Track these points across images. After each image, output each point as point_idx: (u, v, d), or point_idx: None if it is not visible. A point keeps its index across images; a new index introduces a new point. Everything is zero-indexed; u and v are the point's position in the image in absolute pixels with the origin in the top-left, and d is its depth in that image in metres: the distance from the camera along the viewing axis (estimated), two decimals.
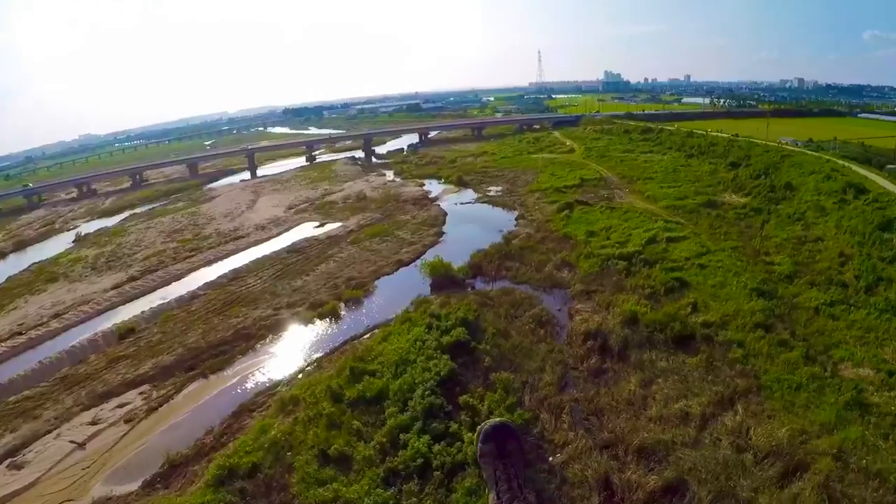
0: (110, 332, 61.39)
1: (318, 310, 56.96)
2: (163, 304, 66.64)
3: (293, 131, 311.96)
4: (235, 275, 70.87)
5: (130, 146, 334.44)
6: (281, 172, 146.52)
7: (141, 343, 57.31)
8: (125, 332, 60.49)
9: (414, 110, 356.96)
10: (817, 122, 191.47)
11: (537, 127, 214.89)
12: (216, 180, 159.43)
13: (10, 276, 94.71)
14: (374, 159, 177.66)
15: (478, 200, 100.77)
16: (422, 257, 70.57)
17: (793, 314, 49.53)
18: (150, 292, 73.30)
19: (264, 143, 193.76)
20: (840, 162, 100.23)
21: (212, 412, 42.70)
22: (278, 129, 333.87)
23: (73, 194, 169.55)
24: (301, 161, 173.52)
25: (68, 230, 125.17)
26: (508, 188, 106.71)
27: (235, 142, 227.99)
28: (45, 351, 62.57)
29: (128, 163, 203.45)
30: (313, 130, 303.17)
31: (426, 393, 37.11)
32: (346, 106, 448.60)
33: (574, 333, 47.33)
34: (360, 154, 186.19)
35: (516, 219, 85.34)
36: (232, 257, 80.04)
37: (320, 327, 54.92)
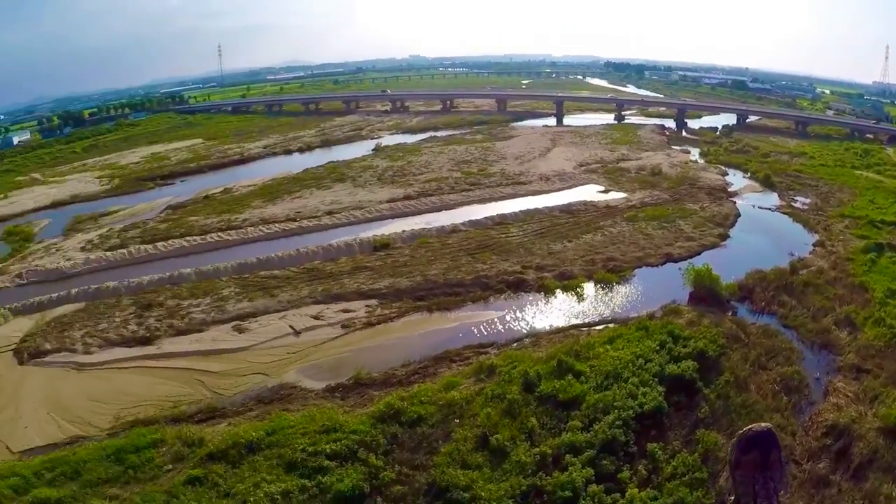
0: (367, 242, 67.55)
1: (564, 282, 55.30)
2: (424, 229, 71.32)
3: (610, 86, 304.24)
4: (501, 220, 72.50)
5: (451, 72, 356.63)
6: (585, 126, 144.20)
7: (388, 260, 61.95)
8: (380, 245, 66.09)
9: (739, 88, 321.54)
10: None
11: (870, 137, 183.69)
12: (521, 120, 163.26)
13: (307, 168, 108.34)
14: (684, 133, 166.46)
15: (779, 209, 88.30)
16: (695, 258, 64.14)
17: None
18: (418, 214, 78.96)
19: (576, 94, 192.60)
20: None
21: (418, 347, 44.95)
22: (596, 81, 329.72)
23: (387, 107, 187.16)
24: (609, 118, 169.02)
25: (371, 139, 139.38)
26: (817, 203, 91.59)
27: (552, 86, 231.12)
28: (307, 241, 71.63)
29: (442, 87, 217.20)
30: (630, 88, 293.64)
31: (617, 422, 33.43)
32: (668, 69, 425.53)
33: (817, 420, 37.52)
34: (670, 124, 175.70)
35: (814, 245, 72.70)
36: (506, 201, 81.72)
37: (558, 301, 53.27)
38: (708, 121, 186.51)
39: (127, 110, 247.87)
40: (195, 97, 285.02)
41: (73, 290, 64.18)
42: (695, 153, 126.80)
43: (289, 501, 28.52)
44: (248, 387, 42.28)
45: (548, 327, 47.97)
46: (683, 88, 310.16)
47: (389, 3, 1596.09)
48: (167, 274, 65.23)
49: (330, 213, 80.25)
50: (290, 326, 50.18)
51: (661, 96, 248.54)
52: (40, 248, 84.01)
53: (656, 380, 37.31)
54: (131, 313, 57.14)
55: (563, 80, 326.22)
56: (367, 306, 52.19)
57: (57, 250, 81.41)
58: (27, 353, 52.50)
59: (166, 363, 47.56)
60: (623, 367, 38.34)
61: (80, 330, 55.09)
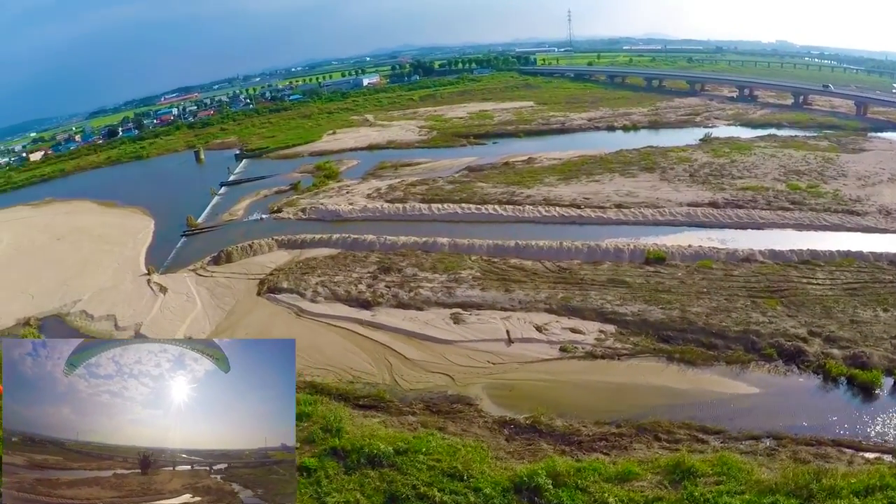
0: (640, 251, 59.86)
1: (854, 370, 40.73)
2: (713, 248, 60.56)
3: None
4: (810, 257, 58.06)
5: (817, 63, 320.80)
6: None
7: (653, 279, 53.93)
8: (653, 258, 58.16)
9: None
10: None
11: None
12: (882, 130, 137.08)
13: (621, 149, 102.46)
14: None
15: None
16: None
17: None
18: (716, 227, 68.38)
19: None
20: None
21: (629, 403, 37.29)
22: None
23: (734, 94, 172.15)
24: None
25: (705, 126, 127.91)
26: None
27: None
28: (581, 233, 66.77)
29: (800, 79, 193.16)
30: None
31: None
32: None
33: None
34: None
35: None
36: (826, 233, 66.72)
37: (834, 396, 38.50)
38: None
39: (473, 65, 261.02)
40: (544, 59, 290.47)
41: (335, 236, 69.62)
42: None
43: None
44: (427, 387, 40.16)
45: (799, 431, 35.08)
46: None
47: None
48: (423, 239, 66.35)
49: (619, 205, 73.49)
50: (507, 332, 45.97)
51: None
52: (335, 187, 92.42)
53: None
54: (369, 272, 59.23)
55: None
56: (600, 331, 45.32)
57: (347, 192, 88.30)
58: (267, 285, 58.24)
59: (370, 333, 48.03)
60: None
61: (318, 276, 58.98)
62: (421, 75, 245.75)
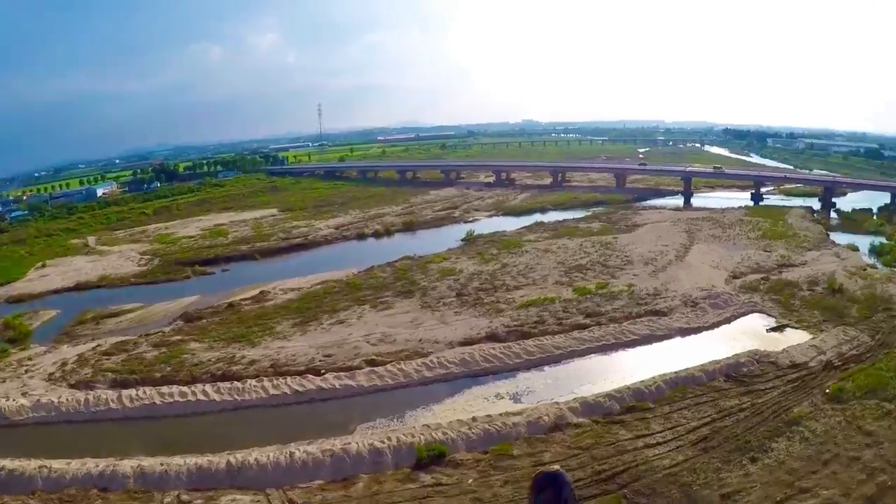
0: (408, 448, 39.97)
1: None
2: (509, 416, 42.94)
3: (732, 155, 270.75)
4: (635, 401, 42.95)
5: (564, 138, 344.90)
6: (722, 209, 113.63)
7: (432, 498, 34.87)
8: (427, 458, 38.68)
9: (874, 157, 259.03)
10: None
11: None
12: (643, 199, 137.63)
13: (372, 267, 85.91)
14: (832, 216, 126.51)
15: None
16: None
17: None
18: (505, 372, 51.72)
19: (706, 169, 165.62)
20: None
21: None
22: (715, 150, 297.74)
23: (491, 179, 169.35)
24: (742, 196, 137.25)
25: (465, 221, 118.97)
26: None
27: (670, 155, 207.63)
28: (336, 413, 46.69)
29: (553, 157, 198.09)
30: (754, 158, 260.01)
31: None
32: (791, 136, 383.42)
33: None
34: (815, 204, 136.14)
35: None
36: (639, 349, 53.47)
37: None
38: (856, 199, 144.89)
39: (219, 167, 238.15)
40: (295, 156, 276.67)
41: None
42: (863, 249, 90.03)
43: None
44: None
45: None
46: (812, 158, 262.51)
47: (503, 67, 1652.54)
48: (101, 466, 41.18)
49: (373, 362, 53.69)
50: None
51: (791, 167, 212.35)
52: (14, 361, 64.83)
53: None
54: None
55: (680, 148, 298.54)
56: None
57: (25, 371, 61.72)
58: None
59: None
60: None
61: None
62: (163, 181, 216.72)
